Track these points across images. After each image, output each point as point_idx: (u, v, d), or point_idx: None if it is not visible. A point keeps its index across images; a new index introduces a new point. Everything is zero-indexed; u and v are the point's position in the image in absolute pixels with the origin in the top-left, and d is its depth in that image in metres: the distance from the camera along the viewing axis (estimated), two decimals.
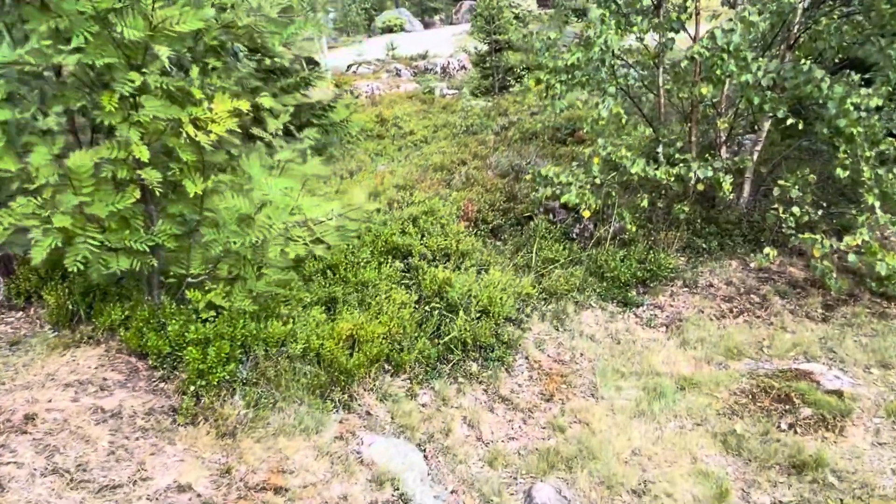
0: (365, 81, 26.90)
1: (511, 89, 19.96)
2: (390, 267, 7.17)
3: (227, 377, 4.98)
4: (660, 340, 6.57)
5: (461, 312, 6.23)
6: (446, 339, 5.97)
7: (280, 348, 5.52)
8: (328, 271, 6.94)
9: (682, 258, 7.93)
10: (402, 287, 6.93)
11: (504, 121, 16.05)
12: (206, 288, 5.38)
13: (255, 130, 5.45)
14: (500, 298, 6.56)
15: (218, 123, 4.68)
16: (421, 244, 7.66)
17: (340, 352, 5.47)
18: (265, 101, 5.66)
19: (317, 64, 34.58)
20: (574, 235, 8.18)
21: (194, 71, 4.57)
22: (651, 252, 7.71)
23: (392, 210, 8.87)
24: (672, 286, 7.47)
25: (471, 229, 8.71)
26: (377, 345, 5.56)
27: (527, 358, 6.18)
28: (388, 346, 5.74)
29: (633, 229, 7.33)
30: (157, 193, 4.87)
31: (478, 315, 6.35)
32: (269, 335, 5.37)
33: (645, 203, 7.29)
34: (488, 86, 21.33)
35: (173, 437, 4.58)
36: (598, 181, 7.38)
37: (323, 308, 6.27)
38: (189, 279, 5.44)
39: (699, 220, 8.25)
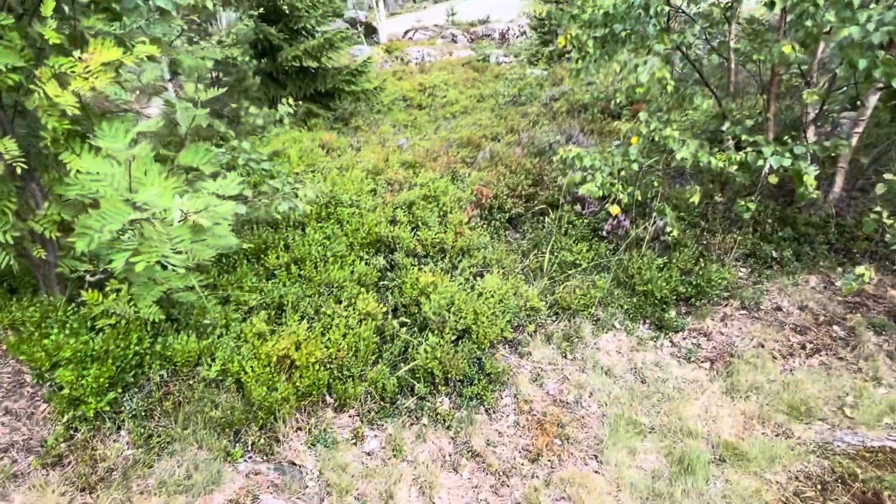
0: (418, 48, 25.50)
1: (570, 56, 18.00)
2: (367, 264, 5.90)
3: (108, 407, 3.92)
4: (699, 382, 4.97)
5: (435, 332, 4.89)
6: (406, 367, 4.66)
7: (194, 369, 4.40)
8: (293, 266, 5.76)
9: (743, 270, 6.18)
10: (376, 292, 5.66)
11: (555, 91, 14.29)
12: (110, 288, 4.32)
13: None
14: (492, 314, 5.16)
15: (87, 79, 3.50)
16: (411, 237, 6.33)
17: (267, 379, 4.29)
18: (183, 58, 4.45)
19: (374, 30, 33.27)
20: (605, 233, 6.59)
21: (48, 5, 3.39)
22: (701, 260, 6.03)
23: (392, 192, 7.55)
24: (725, 307, 5.78)
25: (482, 219, 7.27)
26: (312, 373, 4.34)
27: (516, 396, 4.78)
28: (331, 373, 4.51)
29: (675, 232, 5.67)
30: (22, 170, 3.79)
31: (457, 335, 4.99)
32: (176, 353, 4.26)
33: (696, 198, 5.60)
34: (547, 53, 19.45)
35: (20, 485, 3.56)
36: (635, 167, 5.74)
37: (270, 315, 5.10)
38: (88, 277, 4.40)
39: (770, 221, 6.43)
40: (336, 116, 13.17)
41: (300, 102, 12.87)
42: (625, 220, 6.33)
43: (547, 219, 7.25)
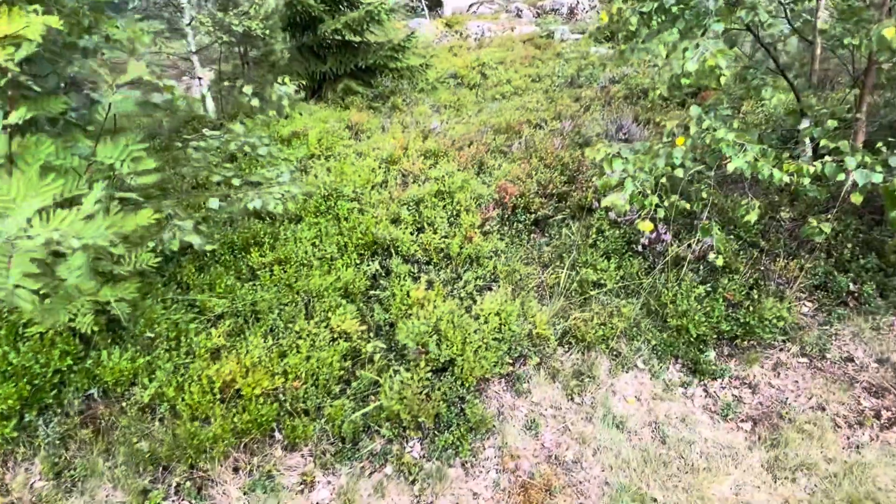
0: (479, 22, 24.33)
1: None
2: (356, 271, 5.21)
3: (16, 433, 3.46)
4: (735, 450, 4.00)
5: (410, 364, 4.15)
6: (375, 404, 3.95)
7: (129, 389, 3.88)
8: (276, 267, 5.16)
9: (808, 305, 5.04)
10: (364, 303, 4.97)
11: (616, 73, 12.99)
12: None
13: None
14: (485, 343, 4.36)
15: None
16: (412, 240, 5.57)
17: (205, 409, 3.71)
18: (113, 30, 3.83)
19: (440, 3, 32.22)
20: (641, 248, 5.58)
21: None
22: (754, 291, 4.94)
23: (403, 186, 6.80)
24: (779, 352, 4.71)
25: (503, 221, 6.41)
26: (255, 408, 3.72)
27: (501, 448, 3.99)
28: (281, 406, 3.88)
29: (720, 261, 4.59)
30: None
31: (437, 368, 4.23)
32: (105, 372, 3.74)
33: (753, 216, 4.51)
34: (615, 30, 17.90)
35: None
36: (680, 173, 4.69)
37: (238, 325, 4.53)
38: None
39: (850, 246, 5.22)
40: (375, 94, 12.47)
41: (340, 79, 12.30)
42: (666, 233, 5.30)
43: (583, 222, 6.29)
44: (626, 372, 4.62)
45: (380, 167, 6.95)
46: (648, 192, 4.61)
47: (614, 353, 4.75)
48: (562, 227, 6.41)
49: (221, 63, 10.55)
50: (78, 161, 3.23)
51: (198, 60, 9.68)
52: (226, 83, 10.67)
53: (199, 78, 9.88)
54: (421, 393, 3.92)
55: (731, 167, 4.18)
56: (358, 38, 12.35)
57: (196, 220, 4.98)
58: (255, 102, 5.91)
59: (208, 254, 5.38)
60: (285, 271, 5.12)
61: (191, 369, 3.92)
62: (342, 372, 4.20)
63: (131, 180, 4.38)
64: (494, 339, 4.44)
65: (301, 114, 9.38)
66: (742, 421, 4.25)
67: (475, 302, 4.99)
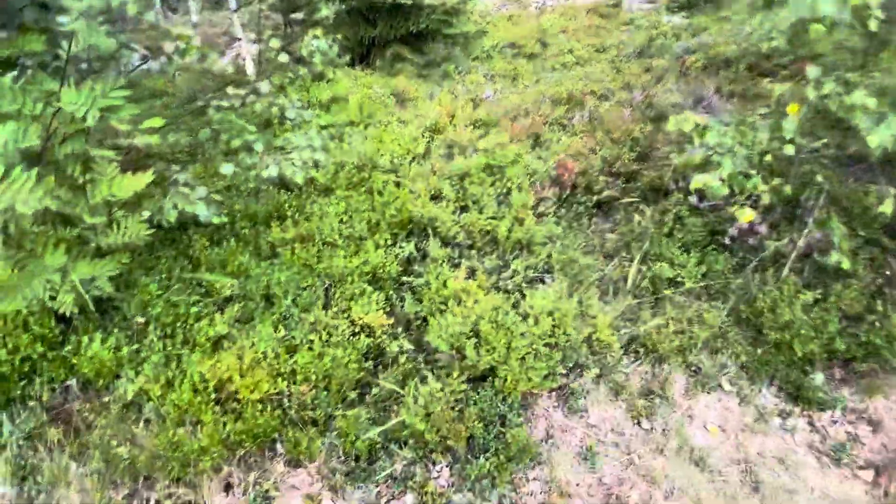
0: None
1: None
2: (387, 253, 4.50)
3: None
4: None
5: (442, 371, 3.42)
6: (390, 423, 3.25)
7: (115, 382, 3.32)
8: (297, 245, 4.52)
9: None
10: (394, 291, 4.27)
11: (693, 42, 11.69)
12: None
13: None
14: (534, 349, 3.58)
15: None
16: (454, 220, 4.81)
17: (194, 412, 3.12)
18: None
19: None
20: (729, 239, 4.62)
21: None
22: (878, 301, 3.94)
23: (447, 158, 6.01)
24: None
25: (560, 202, 5.56)
26: (252, 415, 3.08)
27: (549, 483, 3.23)
28: (284, 415, 3.24)
29: (845, 263, 3.61)
30: None
31: (473, 377, 3.49)
32: (83, 362, 3.19)
33: (888, 207, 3.50)
34: None
35: None
36: (790, 150, 3.71)
37: (248, 310, 3.92)
38: None
39: None
40: (426, 62, 11.64)
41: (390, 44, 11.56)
42: (761, 224, 4.33)
43: (656, 206, 5.37)
44: (708, 393, 3.75)
45: (423, 136, 6.18)
46: (749, 172, 3.67)
47: (693, 368, 3.88)
48: (630, 211, 5.50)
49: (263, 25, 9.98)
50: (40, 108, 2.63)
51: (237, 20, 9.12)
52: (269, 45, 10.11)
53: (239, 39, 9.34)
54: (453, 408, 3.20)
55: (871, 141, 3.18)
56: (410, 1, 11.53)
57: (211, 189, 4.39)
58: (283, 58, 5.25)
59: (226, 226, 4.80)
60: (307, 250, 4.47)
61: (185, 362, 3.33)
62: (362, 373, 3.53)
63: (131, 139, 3.81)
64: (546, 344, 3.65)
65: (344, 79, 8.69)
66: (861, 468, 3.33)
67: (524, 297, 4.20)
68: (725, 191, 3.60)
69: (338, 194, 5.19)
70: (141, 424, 3.17)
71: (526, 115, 7.42)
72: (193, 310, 3.74)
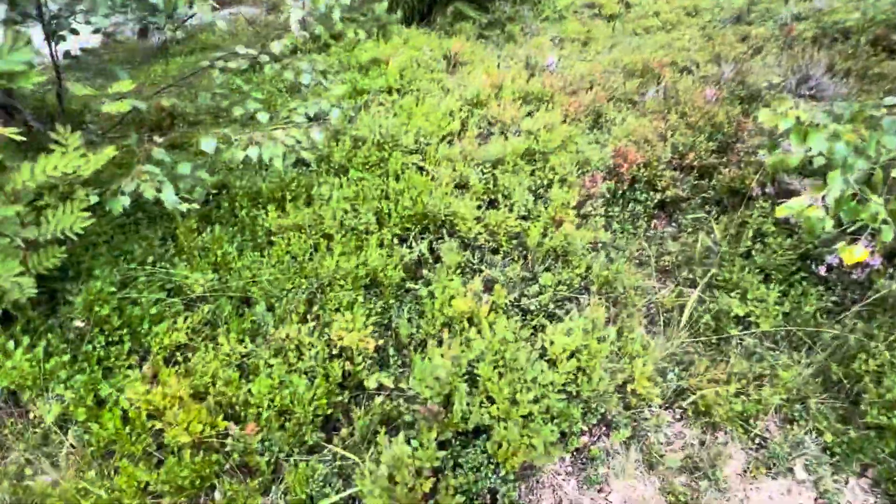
0: None
1: None
2: (393, 253, 3.80)
3: None
4: None
5: (418, 427, 2.71)
6: (343, 494, 2.60)
7: (41, 396, 2.86)
8: (292, 235, 3.91)
9: None
10: (389, 303, 3.58)
11: (803, 7, 9.98)
12: None
13: None
14: (543, 409, 2.80)
15: None
16: (477, 217, 4.02)
17: (124, 447, 2.60)
18: None
19: None
20: (825, 270, 3.57)
21: None
22: None
23: (482, 139, 5.16)
24: None
25: (613, 198, 4.64)
26: (182, 461, 2.52)
27: None
28: (227, 457, 2.66)
29: None
30: None
31: (461, 431, 2.76)
32: (2, 375, 2.73)
33: None
34: None
35: None
36: None
37: (214, 317, 3.36)
38: None
39: None
40: (490, 21, 10.60)
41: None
42: (875, 259, 3.27)
43: (722, 219, 4.37)
44: (774, 478, 2.87)
45: (460, 110, 5.34)
46: (864, 191, 2.65)
47: (757, 442, 2.99)
48: (699, 218, 4.52)
49: None
50: None
51: None
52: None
53: None
54: (427, 478, 2.50)
55: None
56: None
57: (195, 164, 3.83)
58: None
59: (223, 206, 4.26)
60: (303, 241, 3.85)
61: (119, 378, 2.81)
62: (330, 410, 2.89)
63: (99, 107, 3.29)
64: (562, 397, 2.86)
65: (395, 38, 7.89)
66: None
67: (551, 321, 3.42)
68: (828, 225, 2.62)
69: (351, 175, 4.51)
70: (63, 451, 2.69)
71: (590, 87, 6.39)
72: (153, 310, 3.21)
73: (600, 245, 4.12)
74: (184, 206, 3.22)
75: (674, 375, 3.23)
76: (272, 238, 4.00)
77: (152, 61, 8.77)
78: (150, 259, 3.61)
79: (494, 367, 2.88)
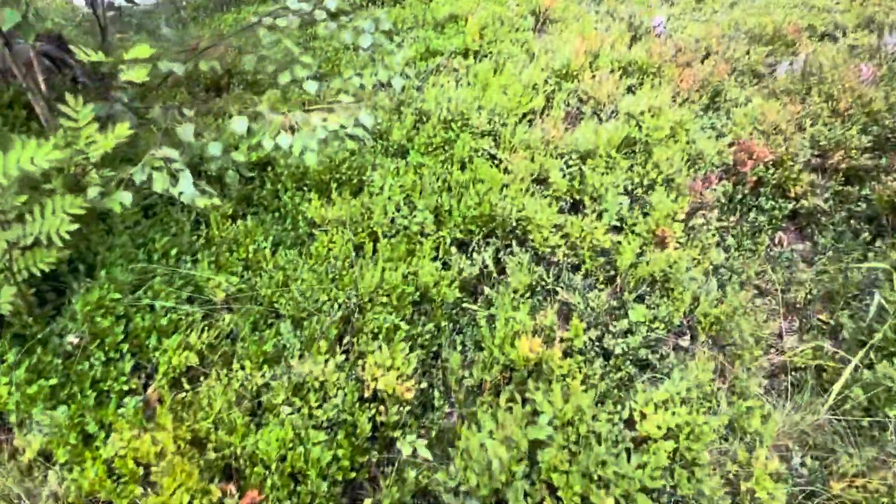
0: None
1: None
2: (449, 264, 3.15)
3: None
4: None
5: None
6: None
7: (27, 423, 2.47)
8: (335, 233, 3.33)
9: None
10: (441, 325, 2.95)
11: None
12: None
13: None
14: None
15: None
16: (553, 226, 3.25)
17: (106, 492, 2.17)
18: None
19: None
20: None
21: None
22: None
23: (570, 121, 4.29)
24: None
25: (729, 203, 3.72)
26: None
27: None
28: None
29: None
30: None
31: None
32: None
33: None
34: None
35: None
36: None
37: (244, 321, 2.87)
38: None
39: None
40: None
41: None
42: None
43: (882, 243, 3.39)
44: None
45: (545, 83, 4.48)
46: None
47: None
48: (843, 233, 3.54)
49: None
50: None
51: None
52: None
53: None
54: None
55: None
56: None
57: (226, 145, 3.29)
58: None
59: (267, 186, 3.74)
60: (344, 241, 3.26)
61: (111, 411, 2.37)
62: (354, 474, 2.33)
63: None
64: (649, 492, 2.15)
65: None
66: None
67: (641, 371, 2.68)
68: None
69: (410, 159, 3.84)
70: (46, 492, 2.30)
71: (705, 57, 5.30)
72: (163, 321, 2.74)
73: (712, 270, 3.27)
74: (202, 202, 2.67)
75: (805, 469, 2.43)
76: (314, 231, 3.44)
77: (224, 10, 8.32)
78: (175, 251, 3.14)
79: (563, 447, 2.19)
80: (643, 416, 2.35)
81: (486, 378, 2.61)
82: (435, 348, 2.92)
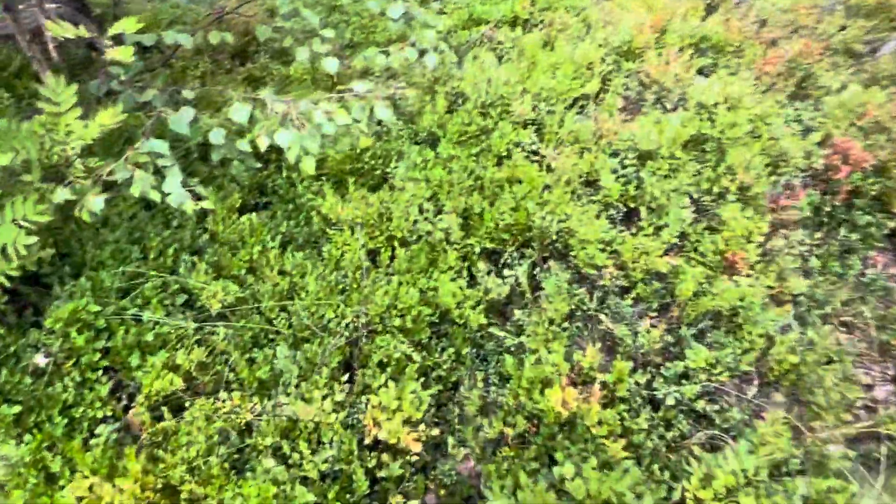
0: None
1: None
2: (475, 282, 2.72)
3: None
4: None
5: None
6: None
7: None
8: (349, 236, 2.95)
9: None
10: (463, 354, 2.55)
11: None
12: None
13: None
14: None
15: None
16: (601, 243, 2.76)
17: None
18: None
19: None
20: None
21: None
22: None
23: (629, 109, 3.71)
24: None
25: (816, 216, 3.13)
26: None
27: None
28: None
29: None
30: None
31: None
32: None
33: None
34: None
35: None
36: None
37: (240, 339, 2.55)
38: None
39: None
40: None
41: None
42: None
43: None
44: None
45: (602, 61, 3.88)
46: None
47: None
48: None
49: None
50: None
51: None
52: None
53: None
54: None
55: None
56: None
57: (228, 129, 2.90)
58: None
59: (283, 173, 3.37)
60: (361, 248, 2.87)
61: (77, 445, 2.09)
62: None
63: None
64: None
65: None
66: None
67: (697, 424, 2.23)
68: None
69: (440, 150, 3.38)
70: None
71: (794, 33, 4.56)
72: (149, 336, 2.44)
73: (792, 301, 2.73)
74: (190, 207, 2.31)
75: None
76: (327, 230, 3.06)
77: None
78: (173, 248, 2.83)
79: None
80: (698, 502, 1.91)
81: (506, 429, 2.20)
82: (454, 379, 2.53)
